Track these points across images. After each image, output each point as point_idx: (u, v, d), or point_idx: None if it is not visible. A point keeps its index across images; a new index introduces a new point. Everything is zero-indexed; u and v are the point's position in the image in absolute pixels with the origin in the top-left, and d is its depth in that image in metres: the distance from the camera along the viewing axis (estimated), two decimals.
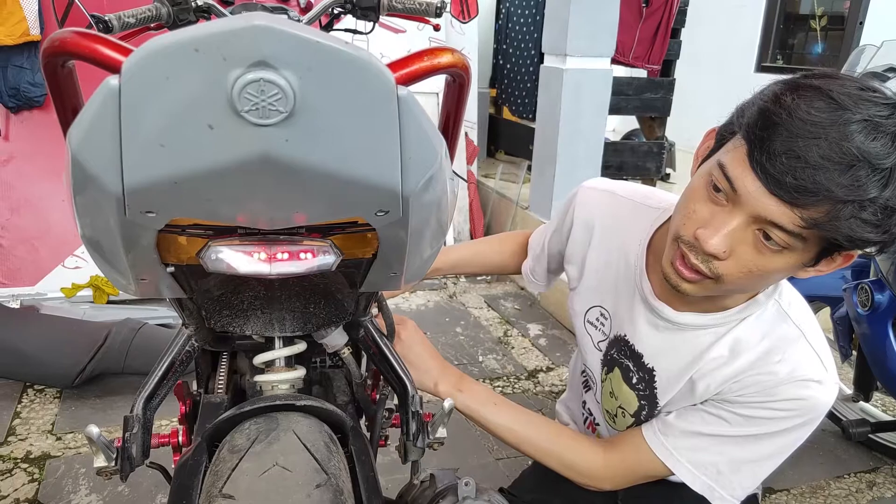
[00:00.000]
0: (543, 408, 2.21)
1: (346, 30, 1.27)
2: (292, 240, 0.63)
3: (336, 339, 0.89)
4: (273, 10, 0.92)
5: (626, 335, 1.08)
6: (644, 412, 1.07)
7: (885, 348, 1.71)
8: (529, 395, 2.32)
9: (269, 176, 0.48)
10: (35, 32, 2.42)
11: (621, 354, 1.09)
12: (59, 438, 1.91)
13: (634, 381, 1.07)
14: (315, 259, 0.63)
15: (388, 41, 3.06)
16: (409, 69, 0.58)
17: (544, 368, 2.50)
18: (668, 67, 3.98)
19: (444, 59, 0.59)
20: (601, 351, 1.15)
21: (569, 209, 1.17)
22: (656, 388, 1.04)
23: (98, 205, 0.52)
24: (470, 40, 3.56)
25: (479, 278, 3.33)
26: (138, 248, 0.59)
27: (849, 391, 2.01)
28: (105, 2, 2.43)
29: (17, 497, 1.67)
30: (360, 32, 1.24)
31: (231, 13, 0.98)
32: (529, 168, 3.51)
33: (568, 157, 3.04)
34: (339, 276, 0.76)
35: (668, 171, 4.64)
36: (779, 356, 0.91)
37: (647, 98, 3.87)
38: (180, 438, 0.93)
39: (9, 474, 1.75)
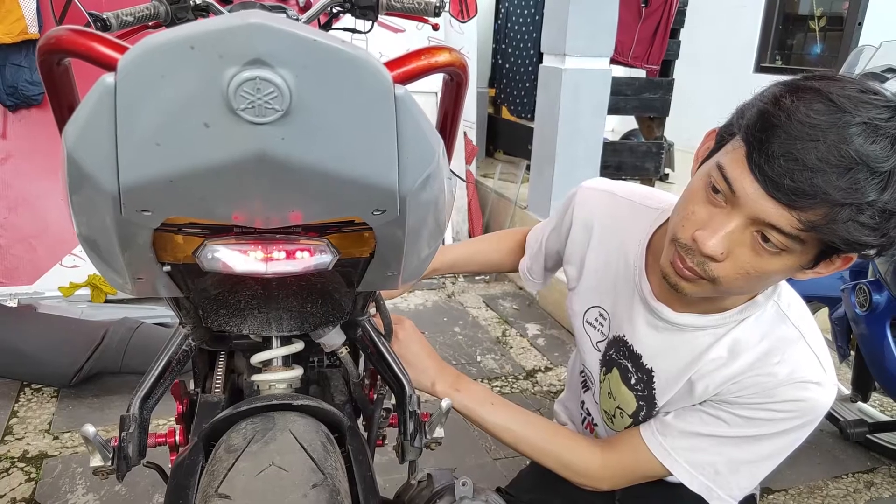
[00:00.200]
0: (541, 408, 2.21)
1: (345, 29, 1.27)
2: (289, 239, 0.63)
3: (333, 338, 0.89)
4: (272, 8, 0.92)
5: (624, 336, 1.07)
6: (642, 413, 1.07)
7: (882, 349, 1.71)
8: (527, 394, 2.32)
9: (264, 174, 0.48)
10: (33, 30, 2.42)
11: (620, 355, 1.09)
12: (56, 438, 1.90)
13: (633, 381, 1.07)
14: (312, 258, 0.63)
15: (387, 40, 3.06)
16: (407, 68, 0.58)
17: (542, 368, 2.50)
18: (667, 67, 3.98)
19: (442, 57, 0.59)
20: (600, 351, 1.15)
21: (568, 209, 1.17)
22: (655, 389, 1.04)
23: (94, 203, 0.52)
24: (469, 40, 3.56)
25: (477, 278, 3.33)
26: (134, 246, 0.58)
27: (847, 391, 2.01)
28: (104, 0, 2.43)
29: (13, 496, 1.66)
30: (359, 31, 1.24)
31: (230, 12, 0.97)
32: (528, 168, 3.51)
33: (567, 156, 3.04)
34: (336, 276, 0.76)
35: (667, 171, 4.65)
36: (778, 357, 0.91)
37: (646, 98, 3.87)
38: (177, 438, 0.93)
39: (6, 474, 1.75)
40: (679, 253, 0.84)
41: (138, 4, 0.98)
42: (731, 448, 0.96)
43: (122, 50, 0.50)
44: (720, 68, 5.85)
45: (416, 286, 3.14)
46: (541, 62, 3.11)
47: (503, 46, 4.42)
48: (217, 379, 0.96)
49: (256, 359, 0.85)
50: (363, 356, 1.00)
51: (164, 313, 2.43)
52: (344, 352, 0.91)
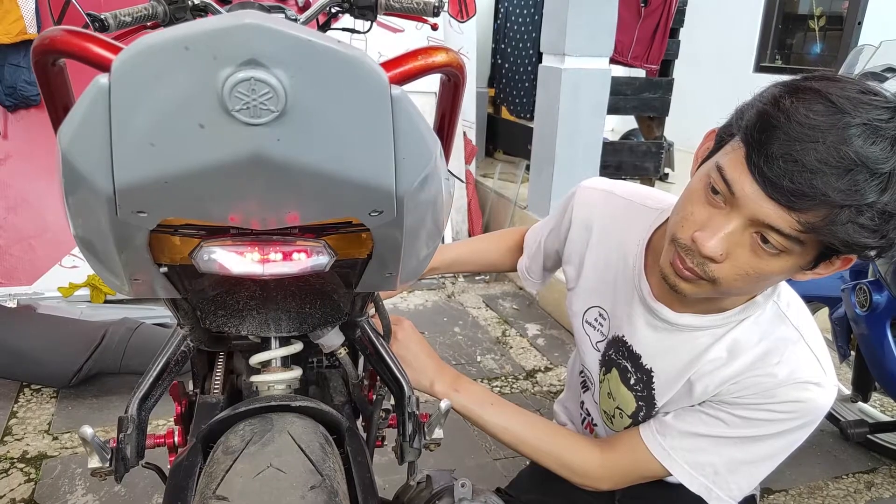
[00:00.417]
0: (541, 408, 2.21)
1: (344, 29, 1.26)
2: (285, 240, 0.63)
3: (332, 339, 0.89)
4: (270, 9, 0.92)
5: (624, 336, 1.07)
6: (642, 413, 1.07)
7: (883, 349, 1.71)
8: (527, 395, 2.31)
9: (260, 176, 0.48)
10: (32, 31, 2.42)
11: (619, 355, 1.09)
12: (55, 438, 1.90)
13: (632, 381, 1.07)
14: (308, 259, 0.63)
15: (387, 41, 3.06)
16: (403, 68, 0.57)
17: (542, 368, 2.50)
18: (666, 67, 3.98)
19: (439, 58, 0.59)
20: (599, 351, 1.14)
21: (567, 209, 1.17)
22: (654, 389, 1.04)
23: (89, 205, 0.52)
24: (468, 40, 3.56)
25: (477, 278, 3.33)
26: (131, 248, 0.58)
27: (847, 392, 2.01)
28: (102, 1, 2.43)
29: (13, 497, 1.66)
30: (358, 32, 1.23)
31: (228, 12, 0.97)
32: (528, 168, 3.51)
33: (566, 156, 3.04)
34: (334, 277, 0.76)
35: (667, 170, 4.65)
36: (777, 358, 0.91)
37: (646, 98, 3.87)
38: (176, 439, 0.93)
39: (5, 474, 1.74)
40: (679, 253, 0.84)
41: (137, 4, 0.98)
42: (731, 448, 0.96)
43: (117, 50, 0.50)
44: (720, 68, 5.85)
45: (415, 286, 3.14)
46: (540, 62, 3.11)
47: (503, 46, 4.42)
48: (216, 380, 0.96)
49: (255, 359, 0.85)
50: (362, 357, 1.00)
51: (163, 314, 2.43)
52: (343, 352, 0.91)
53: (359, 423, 1.01)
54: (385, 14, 1.13)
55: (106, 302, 2.61)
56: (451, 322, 2.85)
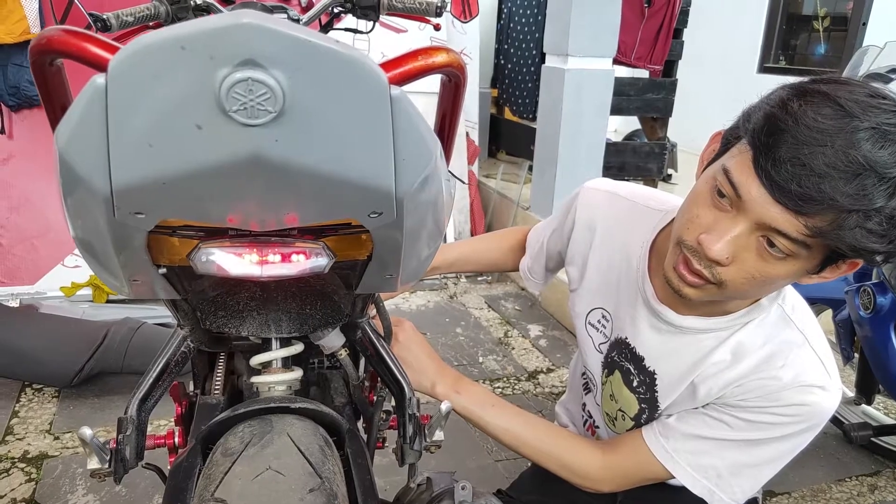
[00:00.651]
0: (543, 409, 2.20)
1: (347, 29, 1.26)
2: (284, 241, 0.62)
3: (333, 340, 0.88)
4: (273, 9, 0.92)
5: (627, 338, 1.07)
6: (644, 415, 1.07)
7: (887, 351, 1.70)
8: (529, 396, 2.31)
9: (258, 177, 0.48)
10: (35, 31, 2.42)
11: (622, 357, 1.09)
12: (56, 438, 1.90)
13: (635, 384, 1.06)
14: (307, 261, 0.62)
15: (390, 41, 3.06)
16: (403, 69, 0.57)
17: (544, 370, 2.49)
18: (670, 68, 3.97)
19: (439, 58, 0.59)
20: (602, 353, 1.14)
21: (570, 209, 1.16)
22: (657, 392, 1.03)
23: (87, 205, 0.51)
24: (471, 40, 3.55)
25: (479, 278, 3.33)
26: (129, 249, 0.58)
27: (851, 394, 2.00)
28: (105, 1, 2.43)
29: (14, 497, 1.66)
30: (361, 32, 1.23)
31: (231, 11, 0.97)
32: (531, 168, 3.50)
33: (569, 157, 3.04)
34: (334, 278, 0.76)
35: (670, 171, 4.64)
36: (782, 361, 0.90)
37: (649, 99, 3.86)
38: (176, 440, 0.93)
39: (6, 474, 1.75)
40: (684, 255, 0.84)
41: (139, 4, 0.98)
42: (734, 451, 0.96)
43: (114, 50, 0.50)
44: (724, 69, 5.83)
45: (417, 286, 3.13)
46: (543, 62, 3.10)
47: (505, 47, 4.42)
48: (216, 380, 0.96)
49: (256, 360, 0.85)
50: (363, 358, 1.00)
51: (165, 314, 2.42)
52: (343, 354, 0.91)
53: (359, 424, 1.00)
54: (387, 14, 1.13)
55: (108, 302, 2.61)
56: (453, 323, 2.84)
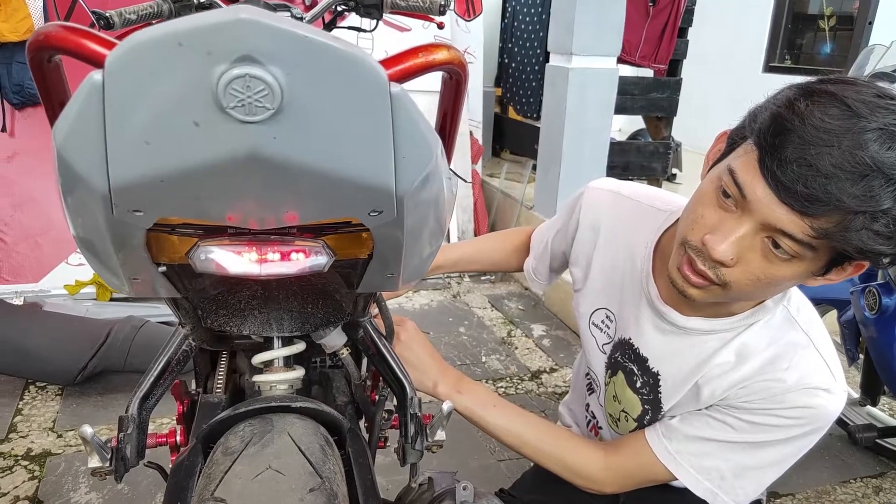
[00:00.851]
0: (546, 409, 2.20)
1: (350, 27, 1.26)
2: (283, 240, 0.62)
3: (335, 339, 0.88)
4: (276, 7, 0.91)
5: (630, 338, 1.06)
6: (647, 417, 1.06)
7: (892, 352, 1.69)
8: (532, 396, 2.30)
9: (257, 174, 0.47)
10: None
11: (626, 358, 1.08)
12: (59, 436, 1.91)
13: (638, 385, 1.06)
14: (307, 260, 0.62)
15: (393, 39, 3.05)
16: (403, 66, 0.56)
17: (548, 369, 2.48)
18: (674, 67, 3.96)
19: (440, 55, 0.58)
20: (605, 354, 1.13)
21: (574, 209, 1.16)
22: (661, 393, 1.03)
23: (86, 203, 0.51)
24: (475, 39, 3.55)
25: (483, 278, 3.32)
26: (128, 247, 0.57)
27: (856, 395, 1.99)
28: None
29: (17, 494, 1.67)
30: (364, 30, 1.23)
31: None
32: (534, 167, 3.49)
33: (573, 156, 3.03)
34: (335, 277, 0.75)
35: (675, 171, 4.63)
36: (786, 363, 0.90)
37: (654, 98, 3.85)
38: (178, 438, 0.93)
39: (9, 471, 1.75)
40: (689, 255, 0.83)
41: (142, 2, 0.97)
42: (738, 453, 0.95)
43: (111, 46, 0.50)
44: (728, 68, 5.82)
45: (420, 286, 3.13)
46: (547, 61, 3.10)
47: (510, 45, 4.41)
48: (218, 379, 0.96)
49: (257, 359, 0.84)
50: (365, 357, 0.99)
51: (168, 312, 2.42)
52: (345, 353, 0.91)
53: (361, 423, 1.00)
54: (391, 12, 1.12)
55: (112, 300, 2.62)
56: (457, 322, 2.84)
